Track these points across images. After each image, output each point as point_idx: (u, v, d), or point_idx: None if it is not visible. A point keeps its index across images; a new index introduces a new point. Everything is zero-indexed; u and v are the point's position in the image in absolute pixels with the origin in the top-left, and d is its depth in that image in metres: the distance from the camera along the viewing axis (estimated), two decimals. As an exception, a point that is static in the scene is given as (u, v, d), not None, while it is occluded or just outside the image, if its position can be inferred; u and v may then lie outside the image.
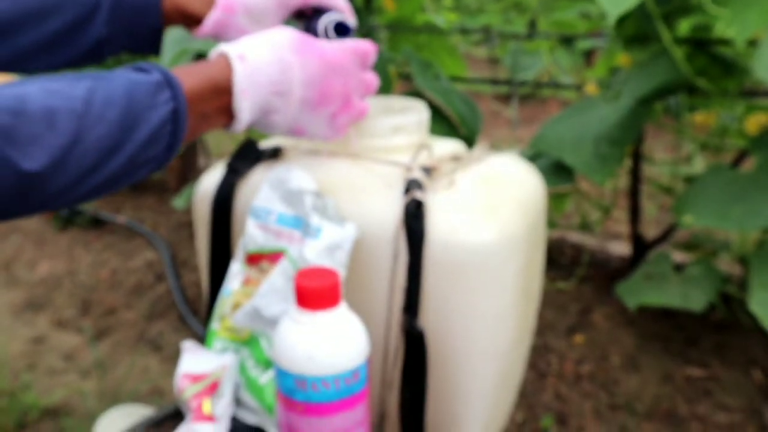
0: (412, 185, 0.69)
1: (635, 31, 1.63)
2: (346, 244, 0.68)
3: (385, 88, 1.41)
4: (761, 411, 1.40)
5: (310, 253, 0.67)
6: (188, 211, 2.26)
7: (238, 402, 0.71)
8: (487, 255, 0.68)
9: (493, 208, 0.71)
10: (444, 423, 0.75)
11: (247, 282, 0.72)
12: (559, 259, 2.03)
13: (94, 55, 0.77)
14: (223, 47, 0.63)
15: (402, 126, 0.76)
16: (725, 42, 1.58)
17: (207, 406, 0.68)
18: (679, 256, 1.79)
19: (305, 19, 0.77)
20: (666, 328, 1.68)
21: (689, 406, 1.44)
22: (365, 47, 0.69)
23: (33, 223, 2.58)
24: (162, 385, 1.65)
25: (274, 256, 0.70)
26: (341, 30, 0.74)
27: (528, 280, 0.77)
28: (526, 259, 0.74)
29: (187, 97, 0.58)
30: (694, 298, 1.52)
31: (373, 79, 0.71)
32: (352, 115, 0.70)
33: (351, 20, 0.76)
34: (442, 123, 1.50)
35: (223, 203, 0.77)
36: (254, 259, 0.72)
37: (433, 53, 1.97)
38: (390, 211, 0.69)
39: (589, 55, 3.63)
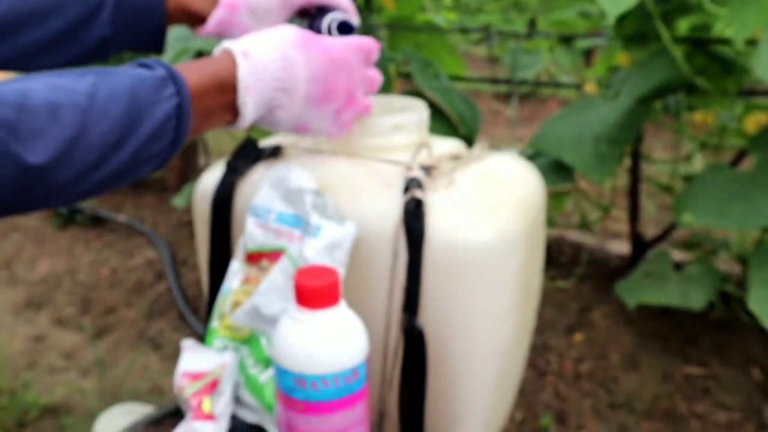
0: (411, 184, 0.69)
1: (635, 31, 1.63)
2: (346, 242, 0.68)
3: (385, 87, 1.40)
4: (760, 409, 1.41)
5: (309, 251, 0.67)
6: (188, 210, 2.26)
7: (237, 400, 0.71)
8: (486, 254, 0.68)
9: (492, 207, 0.71)
10: (443, 422, 0.75)
11: (246, 281, 0.72)
12: (559, 258, 2.03)
13: (97, 54, 0.77)
14: (227, 44, 0.63)
15: (402, 125, 0.76)
16: (724, 41, 1.58)
17: (207, 404, 0.68)
18: (678, 255, 1.79)
19: (308, 18, 0.77)
20: (665, 326, 1.68)
21: (688, 404, 1.44)
22: (369, 44, 0.69)
23: (33, 222, 2.58)
24: (162, 384, 1.65)
25: (273, 255, 0.70)
26: (344, 29, 0.74)
27: (527, 279, 0.77)
28: (525, 258, 0.74)
29: (192, 93, 0.58)
30: (694, 297, 1.52)
31: (376, 76, 0.71)
32: (356, 111, 0.70)
33: (354, 19, 0.76)
34: (442, 122, 1.50)
35: (223, 202, 0.77)
36: (254, 257, 0.72)
37: (433, 52, 1.97)
38: (390, 210, 0.69)
39: (588, 55, 3.62)
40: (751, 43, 1.45)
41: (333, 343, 0.59)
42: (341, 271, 0.67)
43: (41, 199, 0.53)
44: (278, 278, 0.68)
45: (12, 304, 2.05)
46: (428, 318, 0.69)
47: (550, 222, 1.88)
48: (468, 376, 0.73)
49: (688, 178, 1.80)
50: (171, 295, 2.01)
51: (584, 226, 2.01)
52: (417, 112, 0.78)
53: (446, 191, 0.71)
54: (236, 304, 0.71)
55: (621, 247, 2.03)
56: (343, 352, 0.59)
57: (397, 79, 1.75)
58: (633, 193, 1.86)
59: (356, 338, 0.60)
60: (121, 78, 0.56)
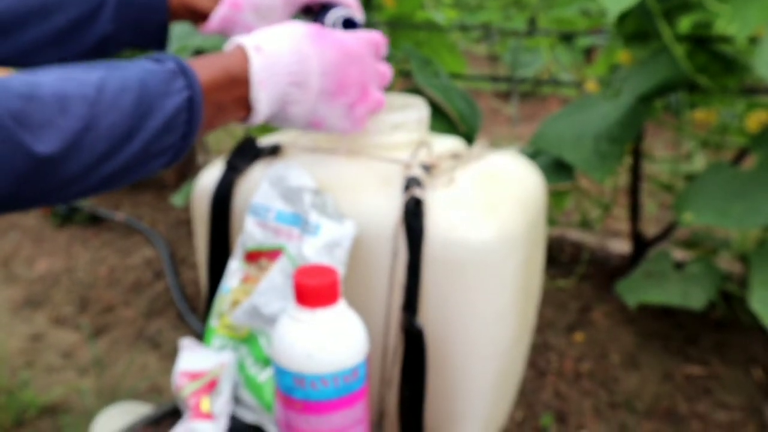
0: (411, 183, 0.69)
1: (635, 29, 1.63)
2: (345, 241, 0.67)
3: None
4: (761, 409, 1.40)
5: (309, 250, 0.67)
6: (187, 209, 2.25)
7: (236, 400, 0.71)
8: (486, 253, 0.68)
9: (492, 205, 0.71)
10: (443, 421, 0.74)
11: (245, 279, 0.72)
12: (559, 257, 2.02)
13: (99, 52, 0.77)
14: (239, 39, 0.63)
15: (402, 123, 0.75)
16: (726, 39, 1.58)
17: (205, 403, 0.68)
18: (679, 254, 1.78)
19: (312, 15, 0.76)
20: (666, 326, 1.67)
21: (689, 404, 1.44)
22: (378, 38, 0.69)
23: (31, 220, 2.57)
24: (160, 383, 1.65)
25: (272, 254, 0.70)
26: (349, 25, 0.74)
27: (528, 278, 0.76)
28: (525, 257, 0.74)
29: (203, 87, 0.58)
30: (694, 296, 1.51)
31: (387, 70, 0.71)
32: (369, 106, 0.69)
33: (359, 16, 0.76)
34: (442, 120, 1.50)
35: (222, 200, 0.77)
36: (253, 256, 0.72)
37: (433, 50, 1.96)
38: (389, 209, 0.69)
39: (589, 53, 3.62)
40: (753, 41, 1.45)
41: (332, 343, 0.59)
42: (340, 270, 0.66)
43: (50, 191, 0.53)
44: (277, 277, 0.67)
45: (10, 302, 2.05)
46: (428, 317, 0.69)
47: (551, 221, 1.87)
48: (468, 375, 0.72)
49: (689, 177, 1.80)
50: (169, 294, 2.01)
51: (585, 224, 2.01)
52: (417, 110, 0.78)
53: (446, 190, 0.70)
54: (235, 303, 0.71)
55: (621, 246, 2.03)
56: (343, 352, 0.59)
57: (397, 77, 1.75)
58: (634, 192, 1.85)
59: (356, 337, 0.60)
60: (131, 71, 0.55)
